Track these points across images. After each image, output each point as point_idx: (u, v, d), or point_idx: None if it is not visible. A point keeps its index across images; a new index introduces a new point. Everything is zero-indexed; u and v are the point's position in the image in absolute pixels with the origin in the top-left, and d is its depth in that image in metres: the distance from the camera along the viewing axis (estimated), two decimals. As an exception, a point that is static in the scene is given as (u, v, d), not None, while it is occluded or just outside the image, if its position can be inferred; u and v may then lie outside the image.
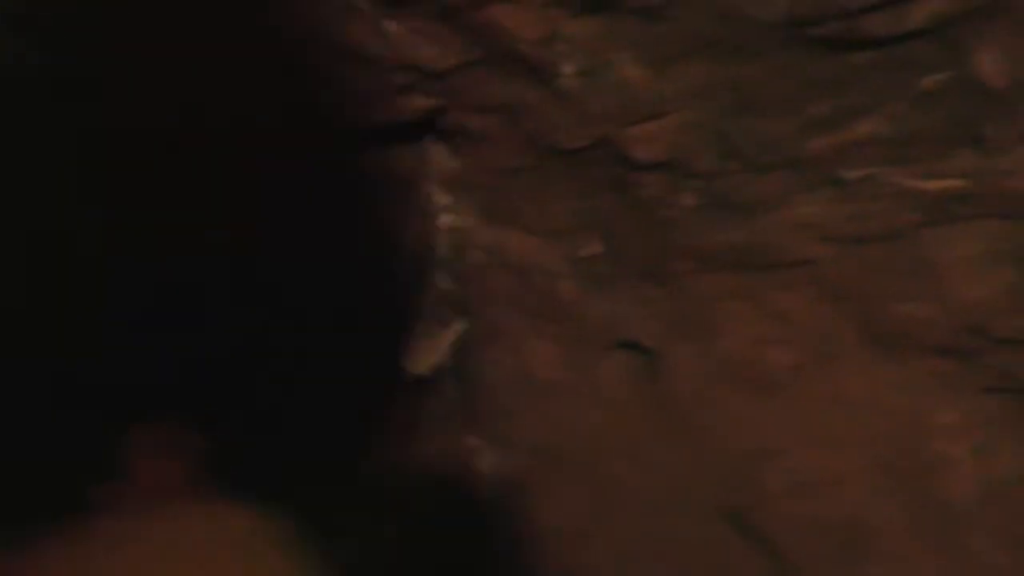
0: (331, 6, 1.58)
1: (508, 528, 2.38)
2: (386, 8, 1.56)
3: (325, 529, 1.48)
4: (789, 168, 1.45)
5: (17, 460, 1.45)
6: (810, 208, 1.49)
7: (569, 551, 2.23)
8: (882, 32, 1.31)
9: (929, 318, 1.50)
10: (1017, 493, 1.54)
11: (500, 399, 2.11)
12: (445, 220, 1.94)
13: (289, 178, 1.56)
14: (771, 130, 1.46)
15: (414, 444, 2.25)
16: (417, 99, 1.62)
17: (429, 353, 2.09)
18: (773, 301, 1.71)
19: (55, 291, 1.62)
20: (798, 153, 1.44)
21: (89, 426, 1.59)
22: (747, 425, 1.88)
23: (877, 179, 1.42)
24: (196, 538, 1.37)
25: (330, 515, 1.71)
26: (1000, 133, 1.29)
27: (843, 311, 1.61)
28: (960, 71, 1.27)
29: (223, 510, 1.45)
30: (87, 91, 1.61)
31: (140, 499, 1.46)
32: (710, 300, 1.76)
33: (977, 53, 1.24)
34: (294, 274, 1.69)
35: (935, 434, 1.56)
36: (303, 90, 1.56)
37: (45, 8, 1.40)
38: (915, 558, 1.65)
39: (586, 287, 1.88)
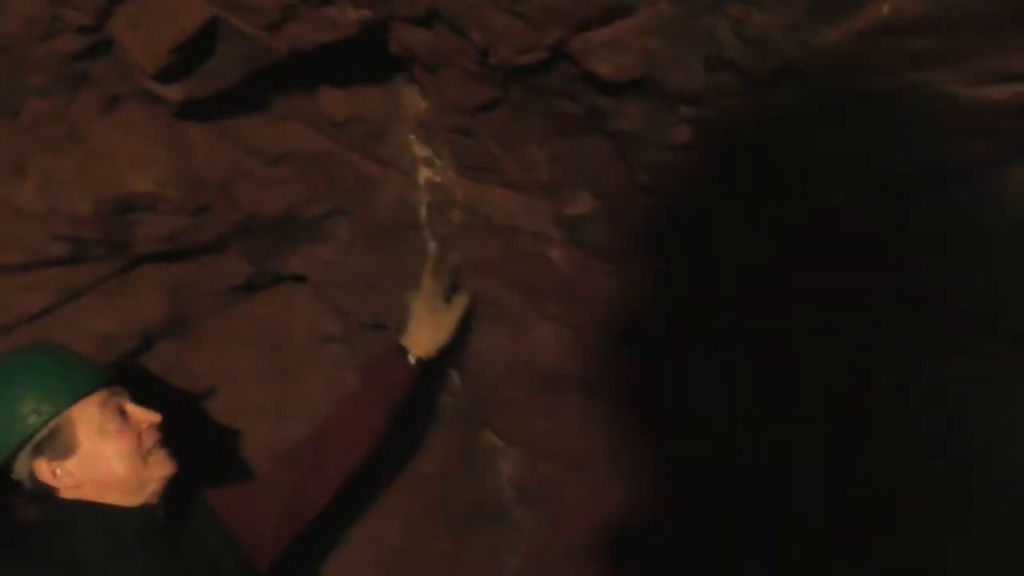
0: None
1: (533, 540, 2.04)
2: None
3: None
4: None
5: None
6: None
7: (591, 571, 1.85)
8: None
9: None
10: None
11: (506, 392, 1.75)
12: (425, 174, 1.59)
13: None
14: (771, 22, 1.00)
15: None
16: (348, 11, 1.28)
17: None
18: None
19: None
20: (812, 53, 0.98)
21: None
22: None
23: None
24: None
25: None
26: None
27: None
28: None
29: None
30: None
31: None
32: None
33: None
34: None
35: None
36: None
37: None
38: None
39: (582, 256, 1.47)
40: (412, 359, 1.56)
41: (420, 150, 1.60)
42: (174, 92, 1.34)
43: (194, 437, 1.55)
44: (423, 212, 1.63)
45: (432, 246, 1.68)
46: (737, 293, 1.33)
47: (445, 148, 1.56)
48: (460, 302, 1.60)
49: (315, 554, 1.84)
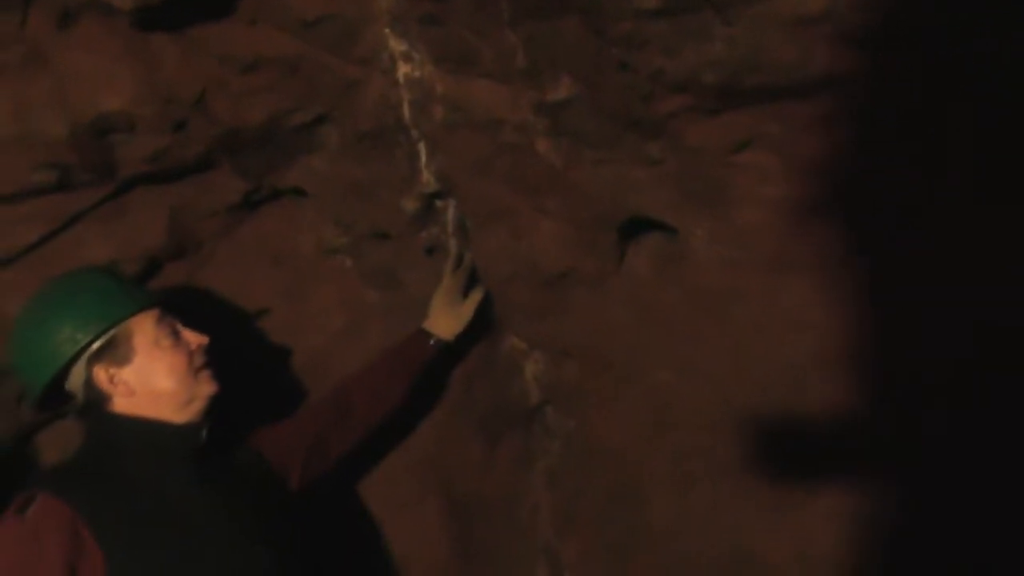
0: None
1: (562, 440, 2.02)
2: None
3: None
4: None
5: None
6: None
7: (625, 470, 1.82)
8: None
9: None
10: None
11: (514, 293, 1.70)
12: (404, 70, 1.51)
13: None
14: None
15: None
16: None
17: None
18: (800, 145, 1.12)
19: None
20: None
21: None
22: (795, 325, 1.32)
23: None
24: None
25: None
26: None
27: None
28: None
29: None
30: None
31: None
32: (715, 154, 1.20)
33: None
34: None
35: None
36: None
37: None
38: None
39: (570, 146, 1.39)
40: (432, 340, 1.72)
41: (397, 44, 1.52)
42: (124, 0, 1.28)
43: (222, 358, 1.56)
44: (406, 111, 1.57)
45: (422, 148, 1.62)
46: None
47: (420, 41, 1.47)
48: (476, 296, 1.75)
49: (347, 470, 1.85)
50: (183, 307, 1.78)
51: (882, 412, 1.34)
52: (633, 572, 1.87)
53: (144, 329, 1.38)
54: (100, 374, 1.35)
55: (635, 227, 1.50)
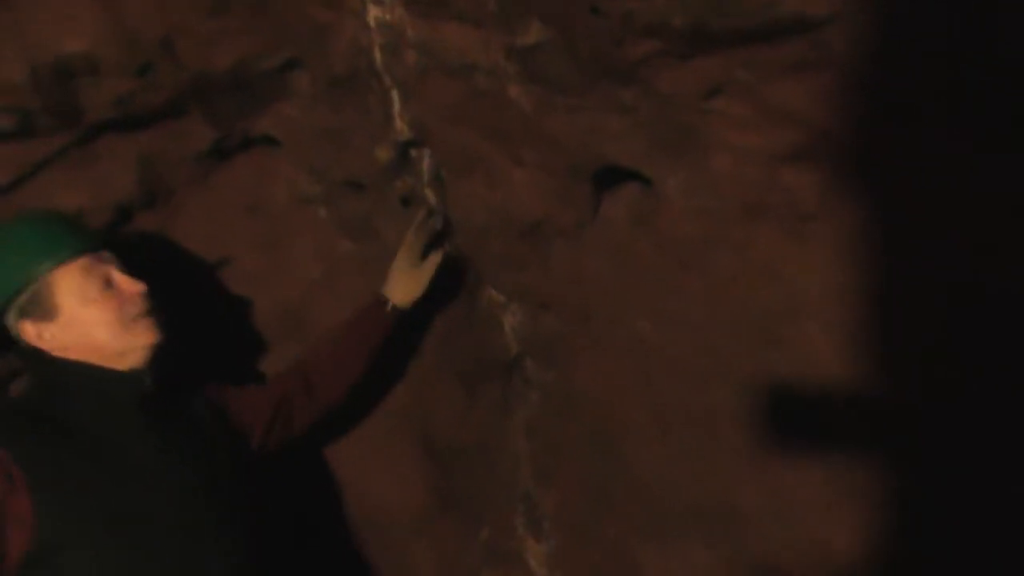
0: None
1: (541, 391, 2.02)
2: None
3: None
4: None
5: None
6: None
7: (604, 419, 1.82)
8: None
9: None
10: None
11: (491, 244, 1.68)
12: (375, 14, 1.47)
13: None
14: None
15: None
16: None
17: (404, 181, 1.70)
18: (772, 93, 1.09)
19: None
20: None
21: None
22: (768, 274, 1.31)
23: None
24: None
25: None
26: None
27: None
28: None
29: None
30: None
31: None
32: (687, 101, 1.18)
33: None
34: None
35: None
36: None
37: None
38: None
39: (543, 94, 1.36)
40: (388, 308, 1.70)
41: (367, -12, 1.47)
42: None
43: (187, 307, 1.54)
44: (378, 56, 1.53)
45: (395, 95, 1.58)
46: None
47: (392, -18, 1.43)
48: (434, 258, 1.72)
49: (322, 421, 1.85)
50: (155, 257, 1.77)
51: (854, 362, 1.33)
52: (611, 520, 1.88)
53: (68, 281, 1.31)
54: (28, 329, 1.31)
55: (610, 177, 1.48)
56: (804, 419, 1.51)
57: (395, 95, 1.58)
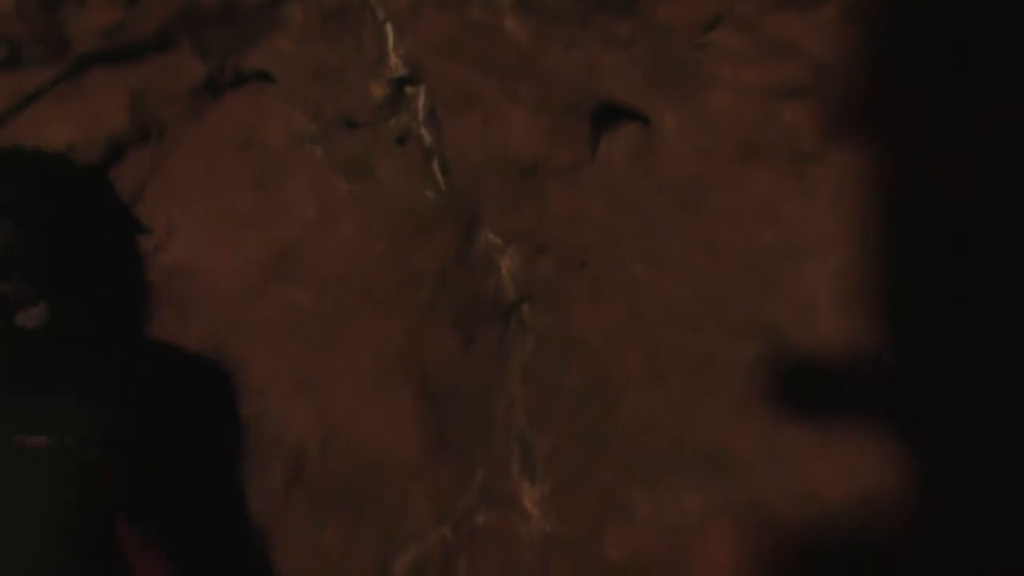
0: None
1: (537, 336, 2.01)
2: None
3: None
4: None
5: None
6: None
7: (599, 365, 1.81)
8: None
9: None
10: None
11: (486, 184, 1.65)
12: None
13: None
14: None
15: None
16: None
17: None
18: (773, 25, 1.06)
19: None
20: None
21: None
22: (767, 217, 1.28)
23: None
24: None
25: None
26: None
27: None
28: None
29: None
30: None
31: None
32: (684, 34, 1.14)
33: None
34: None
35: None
36: None
37: None
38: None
39: (539, 27, 1.32)
40: None
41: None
42: None
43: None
44: (369, -10, 1.49)
45: (388, 28, 1.55)
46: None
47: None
48: None
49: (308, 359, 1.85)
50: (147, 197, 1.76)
51: (852, 308, 1.31)
52: (604, 465, 1.88)
53: None
54: None
55: (608, 115, 1.45)
56: (800, 366, 1.49)
57: (389, 29, 1.55)
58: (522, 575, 2.04)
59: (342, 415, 1.99)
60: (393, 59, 1.60)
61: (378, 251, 1.74)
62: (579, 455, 1.97)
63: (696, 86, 1.24)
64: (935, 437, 1.35)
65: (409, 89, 1.67)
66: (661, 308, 1.67)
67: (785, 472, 1.49)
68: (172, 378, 1.75)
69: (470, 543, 2.06)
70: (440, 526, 2.03)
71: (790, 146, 1.21)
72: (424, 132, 1.75)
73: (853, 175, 1.16)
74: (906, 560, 1.28)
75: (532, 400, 2.06)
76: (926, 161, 1.21)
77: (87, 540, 1.17)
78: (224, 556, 1.67)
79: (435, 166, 1.81)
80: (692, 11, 1.15)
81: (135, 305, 1.78)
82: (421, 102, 1.70)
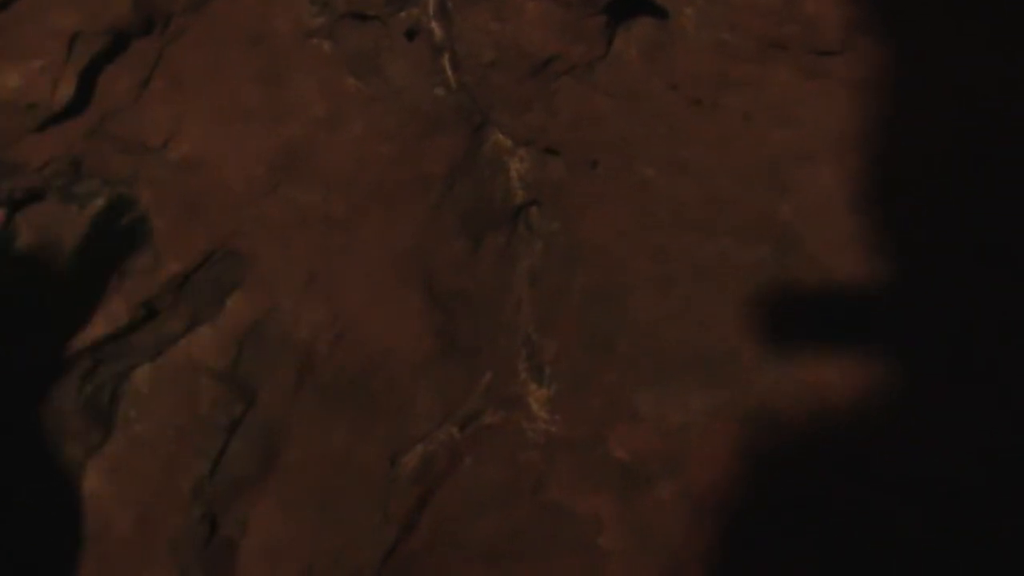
0: None
1: (546, 240, 2.01)
2: None
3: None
4: None
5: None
6: None
7: (607, 269, 1.82)
8: None
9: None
10: None
11: (497, 80, 1.62)
12: None
13: None
14: None
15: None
16: None
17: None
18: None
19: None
20: None
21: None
22: (783, 116, 1.26)
23: None
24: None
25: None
26: None
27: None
28: None
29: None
30: None
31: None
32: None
33: None
34: None
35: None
36: None
37: None
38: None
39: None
40: None
41: None
42: None
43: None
44: None
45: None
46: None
47: None
48: None
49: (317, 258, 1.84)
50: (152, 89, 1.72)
51: (865, 208, 1.30)
52: (611, 367, 1.90)
53: None
54: None
55: (624, 10, 1.41)
56: (808, 268, 1.50)
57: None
58: (528, 474, 2.09)
59: (351, 313, 2.00)
60: (403, -54, 1.55)
61: (386, 152, 1.71)
62: (586, 357, 1.99)
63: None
64: (937, 330, 1.36)
65: (419, -20, 1.63)
66: (671, 210, 1.67)
67: (788, 370, 1.51)
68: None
69: (477, 442, 2.10)
70: (448, 425, 2.06)
71: (811, 40, 1.18)
72: (434, 26, 1.71)
73: (874, 72, 1.13)
74: (897, 446, 1.30)
75: (539, 303, 2.07)
76: (949, 58, 1.18)
77: None
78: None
79: (445, 61, 1.77)
80: None
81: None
82: (431, -7, 1.66)
